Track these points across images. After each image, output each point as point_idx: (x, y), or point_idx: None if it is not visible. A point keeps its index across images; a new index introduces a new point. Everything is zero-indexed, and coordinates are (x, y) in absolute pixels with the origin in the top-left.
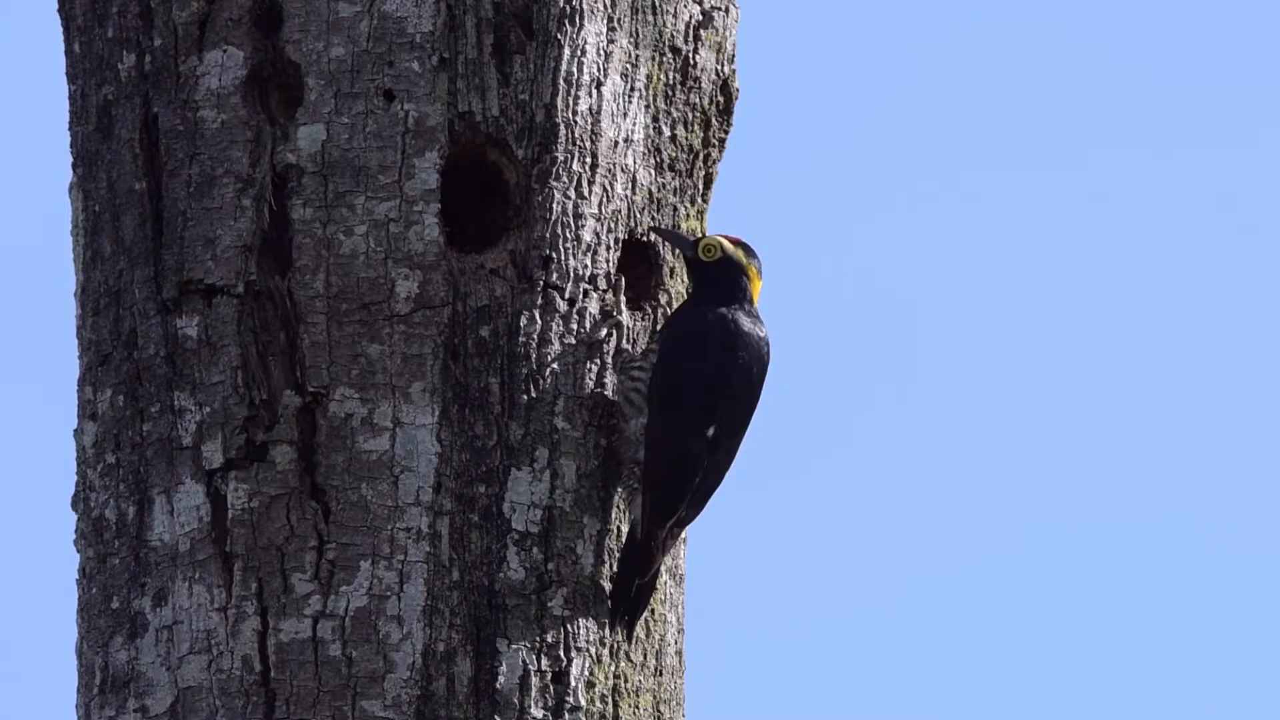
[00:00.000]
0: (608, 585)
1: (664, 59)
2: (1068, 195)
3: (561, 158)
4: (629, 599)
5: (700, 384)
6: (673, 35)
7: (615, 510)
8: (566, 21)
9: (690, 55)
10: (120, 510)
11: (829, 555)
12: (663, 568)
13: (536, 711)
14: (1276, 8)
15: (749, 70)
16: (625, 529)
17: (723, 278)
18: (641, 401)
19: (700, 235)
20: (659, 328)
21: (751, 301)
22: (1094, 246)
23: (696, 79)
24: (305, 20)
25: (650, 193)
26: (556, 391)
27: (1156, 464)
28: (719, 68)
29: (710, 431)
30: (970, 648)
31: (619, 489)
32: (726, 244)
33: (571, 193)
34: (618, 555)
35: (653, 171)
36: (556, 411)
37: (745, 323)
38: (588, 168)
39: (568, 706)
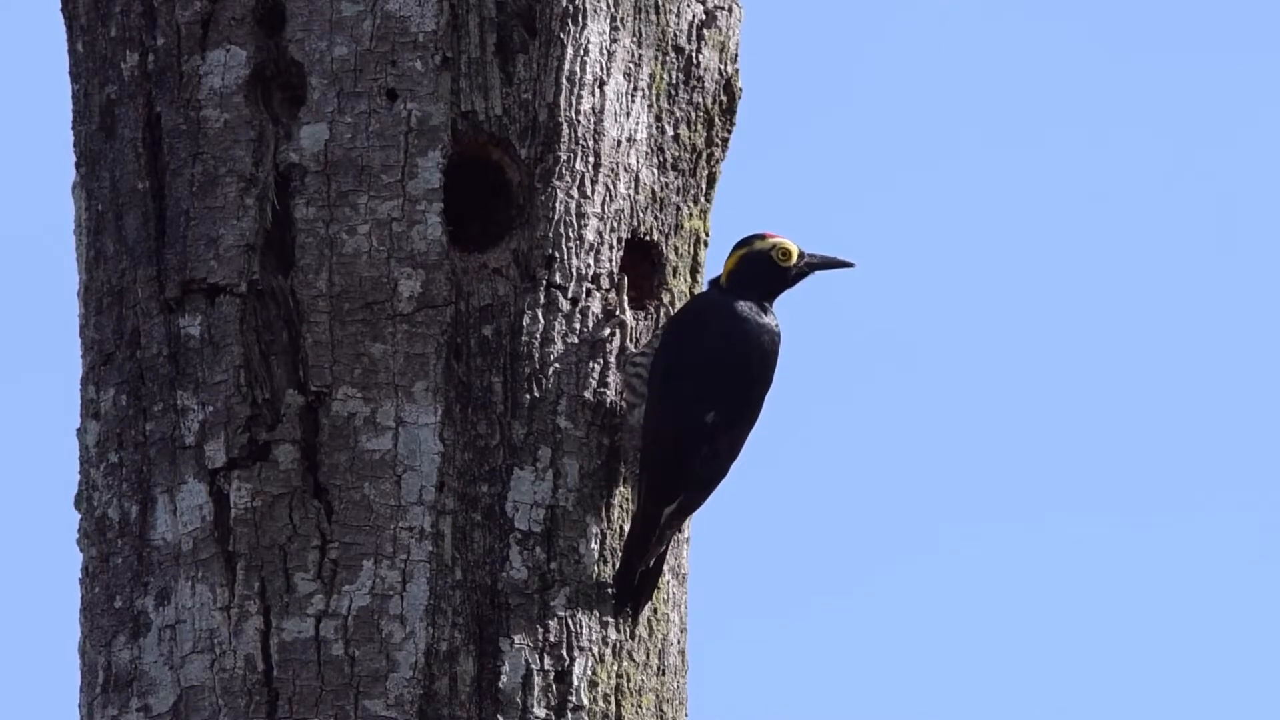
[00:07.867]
0: (611, 575)
1: (667, 58)
2: (1072, 194)
3: (564, 157)
4: (632, 587)
5: (696, 366)
6: (676, 34)
7: (618, 509)
8: (569, 21)
9: (693, 55)
10: (123, 509)
11: (832, 555)
12: (666, 566)
13: (539, 711)
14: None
15: (752, 70)
16: (629, 522)
17: (740, 277)
18: (643, 388)
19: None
20: (664, 318)
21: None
22: (1091, 245)
23: (699, 78)
24: (308, 19)
25: (653, 192)
26: (559, 391)
27: (1154, 460)
28: (722, 67)
29: (709, 417)
30: (974, 648)
31: (627, 481)
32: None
33: (574, 192)
34: (621, 552)
35: (656, 171)
36: (559, 411)
37: (747, 310)
38: (591, 167)
39: (570, 706)
